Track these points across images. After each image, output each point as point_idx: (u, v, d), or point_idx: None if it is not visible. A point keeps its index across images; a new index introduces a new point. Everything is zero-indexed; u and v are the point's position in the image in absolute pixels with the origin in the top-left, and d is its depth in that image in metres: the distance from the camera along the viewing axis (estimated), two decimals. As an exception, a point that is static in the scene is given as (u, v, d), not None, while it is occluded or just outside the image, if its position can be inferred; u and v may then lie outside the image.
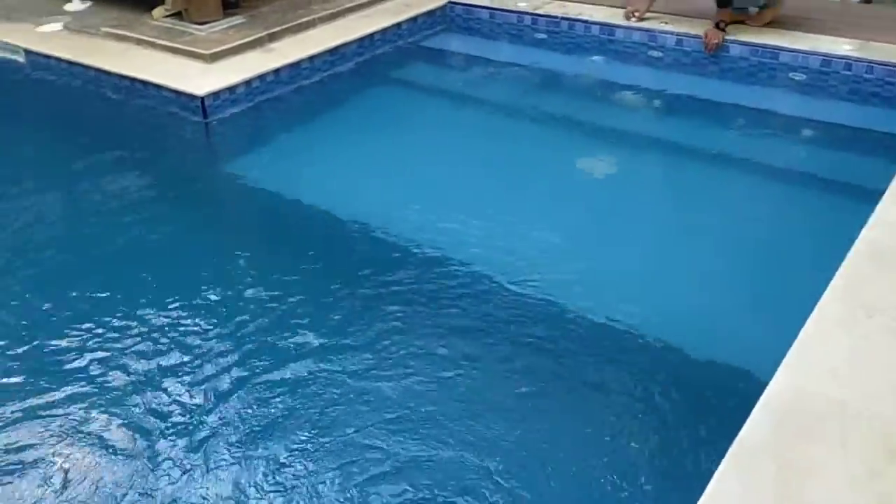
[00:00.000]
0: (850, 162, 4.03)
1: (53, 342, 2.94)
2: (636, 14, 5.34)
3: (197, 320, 3.05)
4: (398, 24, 5.70)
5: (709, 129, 4.48)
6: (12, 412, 2.63)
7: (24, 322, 3.07)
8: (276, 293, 3.18)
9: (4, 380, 2.77)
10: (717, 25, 4.97)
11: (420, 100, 5.01)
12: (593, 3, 5.81)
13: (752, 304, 3.05)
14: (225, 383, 2.73)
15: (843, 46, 4.77)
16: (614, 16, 5.49)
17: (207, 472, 2.40)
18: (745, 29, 5.11)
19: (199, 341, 2.94)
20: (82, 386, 2.74)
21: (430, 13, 5.94)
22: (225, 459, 2.44)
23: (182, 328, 3.01)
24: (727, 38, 4.97)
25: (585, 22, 5.50)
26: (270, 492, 2.33)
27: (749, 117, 4.49)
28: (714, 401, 2.61)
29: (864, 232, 2.92)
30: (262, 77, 4.85)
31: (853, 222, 3.07)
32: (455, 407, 2.59)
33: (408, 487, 2.33)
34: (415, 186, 4.00)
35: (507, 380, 2.72)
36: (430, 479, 2.34)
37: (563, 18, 5.58)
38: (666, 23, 5.29)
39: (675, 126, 4.61)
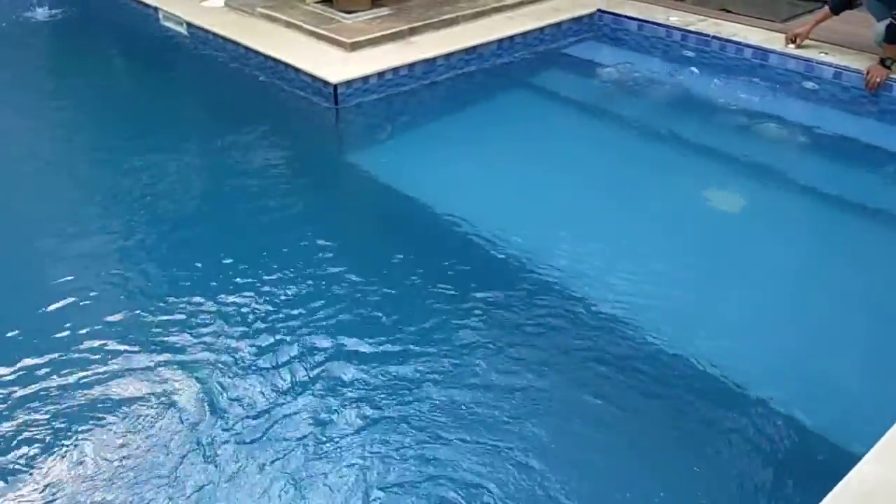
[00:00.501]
0: None
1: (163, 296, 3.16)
2: (797, 39, 4.98)
3: (294, 298, 3.14)
4: (541, 29, 5.61)
5: (855, 173, 4.12)
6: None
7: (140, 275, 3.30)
8: (374, 285, 3.23)
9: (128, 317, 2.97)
10: (882, 62, 4.55)
11: (551, 108, 4.90)
12: (749, 25, 5.49)
13: (857, 373, 2.78)
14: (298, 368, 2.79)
15: None
16: (770, 40, 5.15)
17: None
18: (916, 68, 4.66)
19: (291, 319, 3.03)
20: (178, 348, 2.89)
21: (576, 20, 5.81)
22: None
23: (274, 304, 3.11)
24: (893, 76, 4.55)
25: (738, 44, 5.19)
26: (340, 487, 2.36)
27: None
28: (795, 468, 2.40)
29: None
30: (396, 70, 4.91)
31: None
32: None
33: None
34: (530, 197, 3.93)
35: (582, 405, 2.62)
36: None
37: (714, 38, 5.30)
38: (826, 53, 4.90)
39: (818, 167, 4.25)
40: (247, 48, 5.21)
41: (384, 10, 5.60)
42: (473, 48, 5.26)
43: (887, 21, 4.50)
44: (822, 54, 4.90)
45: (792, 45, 4.99)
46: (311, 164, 4.37)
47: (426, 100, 4.91)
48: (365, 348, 2.88)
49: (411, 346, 2.89)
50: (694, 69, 5.09)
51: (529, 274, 3.31)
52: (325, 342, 2.91)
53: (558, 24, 5.70)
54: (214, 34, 5.48)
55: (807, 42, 4.99)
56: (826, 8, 4.89)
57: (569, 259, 3.39)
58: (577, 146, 4.37)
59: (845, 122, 4.51)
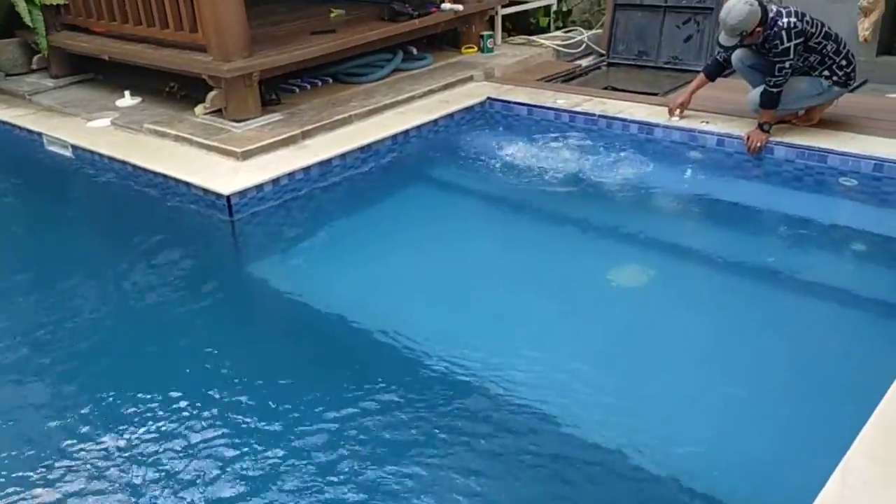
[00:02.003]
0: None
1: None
2: (679, 109, 5.16)
3: (190, 419, 2.98)
4: (434, 121, 5.67)
5: (748, 238, 4.20)
6: None
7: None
8: (284, 402, 3.08)
9: None
10: (760, 126, 4.75)
11: (450, 199, 4.90)
12: (633, 101, 5.68)
13: (773, 446, 2.75)
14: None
15: (897, 150, 4.48)
16: (654, 114, 5.33)
17: None
18: (792, 129, 4.87)
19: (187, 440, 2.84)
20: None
21: (468, 109, 5.90)
22: None
23: (170, 424, 2.92)
24: (771, 139, 4.74)
25: (624, 120, 5.35)
26: None
27: (793, 226, 4.20)
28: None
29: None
30: (291, 175, 4.83)
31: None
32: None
33: None
34: (438, 295, 3.85)
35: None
36: None
37: (601, 116, 5.45)
38: (707, 122, 5.09)
39: (713, 234, 4.34)
40: (135, 166, 5.07)
41: (276, 116, 5.56)
42: (369, 146, 5.25)
43: (761, 87, 4.71)
44: (704, 123, 5.09)
45: (676, 117, 5.17)
46: (208, 281, 4.19)
47: (325, 203, 4.83)
48: (262, 470, 2.70)
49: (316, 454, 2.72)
50: (584, 148, 5.19)
51: (436, 373, 3.22)
52: (222, 467, 2.72)
53: (451, 115, 5.77)
54: (101, 155, 5.32)
55: (690, 112, 5.18)
56: (701, 75, 5.11)
57: (475, 353, 3.31)
58: (477, 236, 4.35)
59: (733, 188, 4.65)
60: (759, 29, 4.49)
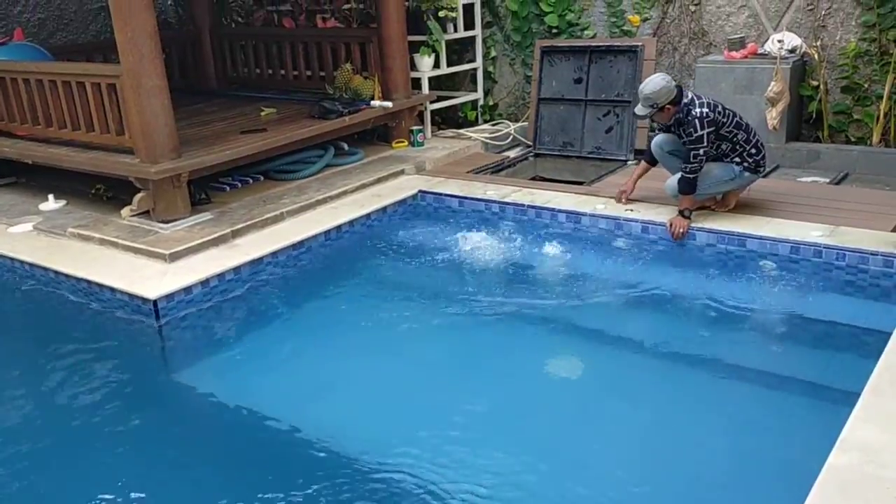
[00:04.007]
0: (822, 362, 3.79)
1: None
2: (624, 196, 5.33)
3: None
4: (367, 215, 5.70)
5: (676, 324, 4.29)
6: None
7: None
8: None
9: None
10: (681, 213, 4.92)
11: (384, 296, 4.84)
12: (560, 191, 5.84)
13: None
14: None
15: (812, 232, 4.68)
16: (581, 203, 5.48)
17: None
18: (711, 214, 5.06)
19: None
20: None
21: (400, 202, 5.96)
22: None
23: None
24: (693, 224, 4.91)
25: (552, 210, 5.48)
26: None
27: (718, 310, 4.29)
28: None
29: (833, 456, 2.65)
30: (220, 276, 4.76)
31: (824, 435, 2.83)
32: None
33: None
34: (373, 399, 3.77)
35: None
36: None
37: (530, 206, 5.58)
38: (631, 210, 5.25)
39: (642, 320, 4.41)
40: (57, 272, 4.92)
41: (206, 216, 5.51)
42: (301, 243, 5.24)
43: (679, 174, 4.90)
44: (629, 211, 5.25)
45: (624, 201, 5.31)
46: (133, 393, 4.01)
47: (256, 303, 4.76)
48: None
49: None
50: (515, 238, 5.27)
51: (376, 484, 3.13)
52: None
53: (383, 209, 5.82)
54: (21, 262, 5.16)
55: (613, 202, 5.35)
56: (643, 163, 5.30)
57: (414, 461, 3.24)
58: (412, 335, 4.30)
59: (658, 274, 4.75)
60: (670, 107, 4.73)
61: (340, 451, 3.37)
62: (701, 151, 4.74)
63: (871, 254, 4.37)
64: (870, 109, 6.25)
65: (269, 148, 6.05)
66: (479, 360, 4.07)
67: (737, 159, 4.87)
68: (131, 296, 4.55)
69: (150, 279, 4.67)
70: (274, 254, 5.07)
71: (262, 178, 6.33)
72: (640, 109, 4.86)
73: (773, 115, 6.19)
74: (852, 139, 6.39)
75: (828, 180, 5.94)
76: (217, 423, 3.82)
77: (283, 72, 8.01)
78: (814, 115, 6.45)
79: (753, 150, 4.86)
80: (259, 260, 4.98)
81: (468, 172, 6.52)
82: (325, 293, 4.87)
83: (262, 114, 6.92)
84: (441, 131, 7.69)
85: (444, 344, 4.22)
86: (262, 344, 4.34)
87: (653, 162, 5.23)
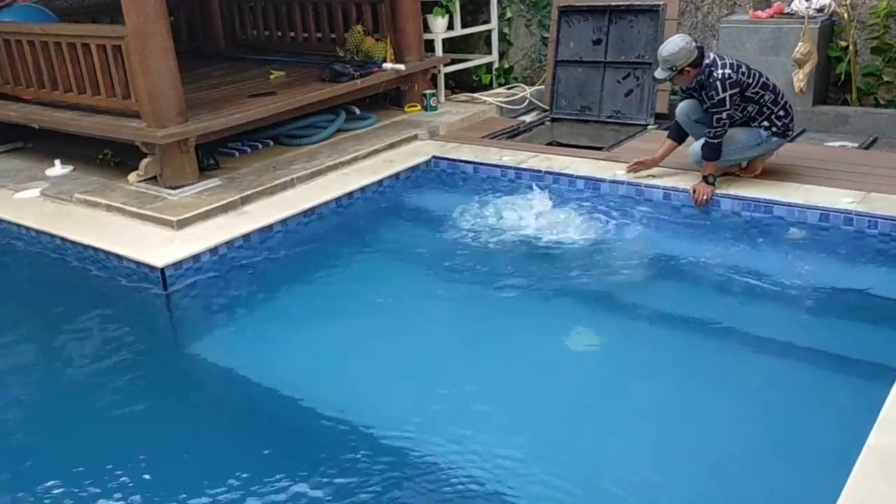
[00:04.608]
0: (856, 336, 3.61)
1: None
2: (641, 167, 5.09)
3: None
4: (379, 182, 5.55)
5: (696, 294, 4.13)
6: None
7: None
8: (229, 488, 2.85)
9: None
10: (705, 179, 4.74)
11: (398, 264, 4.73)
12: (578, 156, 5.66)
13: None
14: None
15: (842, 199, 4.49)
16: (599, 170, 5.30)
17: None
18: (736, 181, 4.88)
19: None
20: None
21: (413, 169, 5.80)
22: None
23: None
24: (717, 191, 4.73)
25: (570, 176, 5.31)
26: None
27: (745, 280, 4.13)
28: None
29: (873, 436, 2.51)
30: (230, 243, 4.64)
31: (861, 413, 2.69)
32: None
33: None
34: (389, 367, 3.67)
35: None
36: None
37: (547, 173, 5.40)
38: (653, 176, 5.07)
39: (665, 292, 4.24)
40: (63, 239, 4.81)
41: (213, 182, 5.38)
42: (312, 210, 5.10)
43: (702, 140, 4.71)
44: (650, 177, 5.07)
45: (632, 173, 5.10)
46: (142, 363, 3.91)
47: (266, 272, 4.64)
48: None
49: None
50: (531, 206, 5.11)
51: (390, 455, 3.04)
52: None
53: (396, 176, 5.67)
54: (28, 228, 5.05)
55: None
56: (668, 141, 4.99)
57: (432, 434, 3.14)
58: (427, 303, 4.18)
59: (681, 243, 4.59)
60: (690, 69, 4.53)
61: (353, 422, 3.26)
62: (724, 115, 4.54)
63: (905, 221, 4.20)
64: (901, 71, 6.02)
65: (279, 112, 5.88)
66: (495, 334, 3.91)
67: (765, 123, 4.67)
68: (138, 263, 4.44)
69: (158, 246, 4.55)
70: (283, 221, 4.93)
71: (271, 143, 6.17)
72: (659, 73, 4.66)
73: (799, 78, 5.96)
74: (882, 102, 6.15)
75: (856, 145, 5.72)
76: (226, 392, 3.74)
77: (292, 34, 7.81)
78: (842, 77, 6.21)
79: (781, 113, 4.66)
80: (268, 227, 4.85)
81: (483, 138, 6.34)
82: (335, 262, 4.74)
83: (272, 77, 6.74)
84: (455, 95, 7.49)
85: (459, 314, 4.09)
86: (271, 313, 4.23)
87: (679, 139, 4.97)
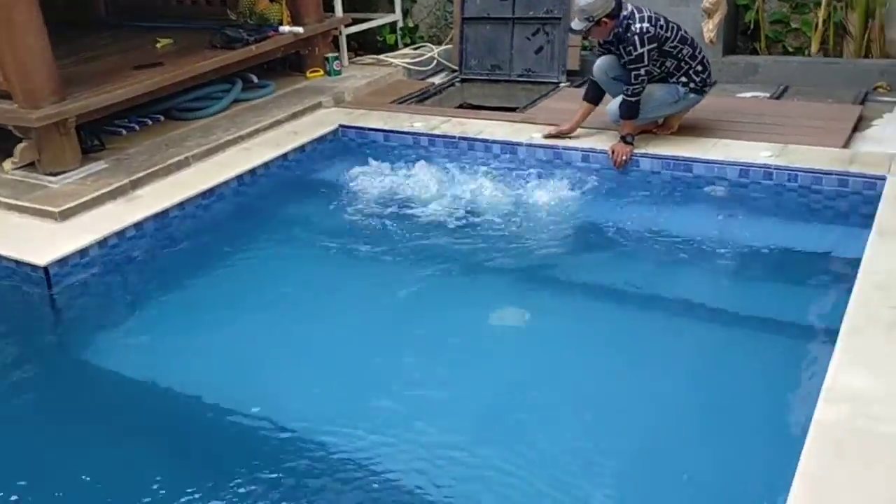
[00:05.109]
0: (786, 295, 3.53)
1: None
2: (560, 131, 4.89)
3: None
4: (284, 156, 5.18)
5: (620, 261, 3.94)
6: None
7: None
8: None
9: None
10: (623, 139, 4.58)
11: (309, 246, 4.37)
12: (492, 119, 5.43)
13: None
14: None
15: (760, 153, 4.42)
16: (515, 133, 5.08)
17: None
18: (654, 139, 4.75)
19: None
20: None
21: (319, 140, 5.44)
22: None
23: None
24: (636, 151, 4.59)
25: (485, 141, 5.07)
26: None
27: (667, 244, 4.00)
28: None
29: (820, 410, 2.40)
30: (120, 234, 4.22)
31: (804, 382, 2.60)
32: None
33: None
34: (303, 360, 3.40)
35: None
36: None
37: (461, 138, 5.15)
38: (570, 137, 4.89)
39: (588, 259, 4.06)
40: (-73, 240, 4.28)
41: (99, 165, 4.90)
42: (211, 191, 4.70)
43: (620, 98, 4.54)
44: (568, 138, 4.88)
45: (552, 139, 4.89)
46: (25, 373, 3.52)
47: (164, 262, 4.25)
48: None
49: None
50: (446, 174, 4.86)
51: (307, 459, 2.80)
52: None
53: (301, 148, 5.30)
54: None
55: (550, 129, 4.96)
56: (585, 104, 4.80)
57: (350, 430, 2.91)
58: (342, 288, 3.89)
59: (603, 205, 4.44)
60: (607, 20, 4.35)
61: (267, 424, 3.00)
62: (642, 71, 4.38)
63: (825, 173, 4.15)
64: (807, 17, 5.99)
65: (167, 84, 5.40)
66: (415, 317, 3.67)
67: (683, 79, 4.53)
68: (18, 262, 3.98)
69: (39, 242, 4.10)
70: (180, 205, 4.53)
71: (162, 118, 5.69)
72: (575, 24, 4.44)
73: (709, 28, 5.86)
74: (790, 49, 6.14)
75: (768, 94, 5.69)
76: (120, 399, 3.35)
77: (179, -3, 7.25)
78: (751, 26, 6.17)
79: (700, 68, 4.53)
80: (164, 213, 4.43)
81: (391, 103, 6.02)
82: (241, 247, 4.38)
83: (158, 45, 6.20)
84: (359, 58, 7.10)
85: (377, 297, 3.80)
86: (170, 309, 3.86)
87: (596, 100, 4.78)
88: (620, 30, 4.38)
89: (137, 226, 4.30)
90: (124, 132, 5.46)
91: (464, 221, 4.37)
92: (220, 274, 4.14)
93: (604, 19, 4.34)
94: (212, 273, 4.16)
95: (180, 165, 4.96)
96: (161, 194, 4.60)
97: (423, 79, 6.79)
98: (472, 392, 3.15)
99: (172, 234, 4.40)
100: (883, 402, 2.44)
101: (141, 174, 4.75)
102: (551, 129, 4.92)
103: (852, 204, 4.02)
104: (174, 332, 3.68)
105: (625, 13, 4.37)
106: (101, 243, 4.13)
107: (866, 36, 5.78)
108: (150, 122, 5.62)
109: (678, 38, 4.45)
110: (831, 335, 2.84)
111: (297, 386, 3.25)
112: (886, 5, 5.70)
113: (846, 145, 4.50)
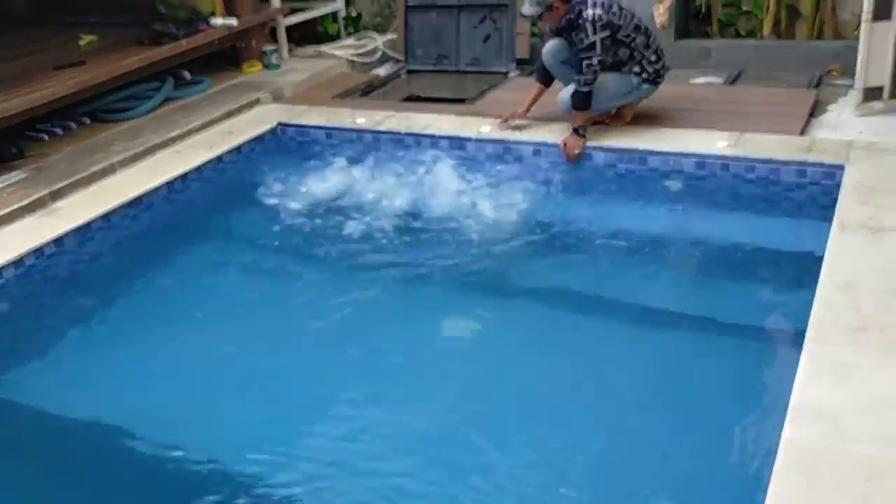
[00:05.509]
0: (751, 299, 3.35)
1: None
2: (513, 117, 4.69)
3: None
4: (218, 158, 4.86)
5: (575, 262, 3.75)
6: None
7: None
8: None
9: None
10: (575, 131, 4.38)
11: (245, 258, 4.09)
12: (440, 113, 5.18)
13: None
14: None
15: (717, 143, 4.24)
16: (463, 127, 4.84)
17: None
18: (607, 130, 4.55)
19: None
20: None
21: (256, 139, 5.13)
22: None
23: None
24: (589, 143, 4.39)
25: (432, 136, 4.82)
26: None
27: (623, 243, 3.81)
28: None
29: (788, 428, 2.23)
30: (38, 251, 3.87)
31: (771, 398, 2.43)
32: None
33: None
34: (243, 384, 3.14)
35: None
36: None
37: (407, 134, 4.89)
38: (519, 128, 4.67)
39: (541, 261, 3.83)
40: None
41: (15, 175, 4.54)
42: (138, 199, 4.37)
43: (572, 87, 4.33)
44: (517, 130, 4.66)
45: (509, 123, 4.68)
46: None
47: (87, 281, 3.93)
48: None
49: None
50: (392, 173, 4.61)
51: (231, 487, 2.57)
52: None
53: (237, 149, 4.98)
54: None
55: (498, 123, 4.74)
56: (536, 84, 4.64)
57: (289, 462, 2.68)
58: (280, 302, 3.62)
59: (557, 202, 4.24)
60: (560, 5, 4.15)
61: (195, 455, 2.76)
62: (595, 60, 4.17)
63: (783, 163, 3.99)
64: (759, -1, 5.86)
65: (90, 85, 5.04)
66: (356, 330, 3.43)
67: (636, 68, 4.34)
68: (-79, 290, 3.64)
69: (-54, 265, 3.75)
70: (105, 216, 4.19)
71: (87, 120, 5.33)
72: (527, 9, 4.23)
73: (660, 12, 5.68)
74: (742, 33, 5.99)
75: (722, 80, 5.54)
76: (43, 436, 3.06)
77: (105, -11, 6.84)
78: (702, 9, 6.01)
79: (653, 58, 4.34)
80: (86, 226, 4.10)
81: (334, 98, 5.74)
82: (172, 260, 4.08)
83: (82, 43, 5.84)
84: (301, 49, 6.79)
85: (321, 312, 3.53)
86: (96, 334, 3.57)
87: (547, 81, 4.59)
88: (572, 15, 4.17)
89: (57, 242, 3.96)
90: (46, 137, 5.10)
91: (409, 225, 4.14)
92: (147, 292, 3.81)
93: (556, 3, 4.14)
94: (138, 292, 3.83)
95: (105, 172, 4.62)
96: (84, 205, 4.27)
97: (367, 71, 6.51)
98: (419, 411, 2.94)
99: (96, 249, 4.07)
100: (852, 417, 2.27)
101: (62, 184, 4.40)
102: (506, 115, 4.71)
103: (812, 195, 3.87)
104: (100, 358, 3.38)
105: None
106: (17, 263, 3.78)
107: (818, 17, 5.66)
108: (75, 126, 5.25)
109: (632, 26, 4.25)
110: (797, 340, 2.68)
111: (225, 413, 3.00)
112: (838, -15, 5.59)
113: (803, 132, 4.36)
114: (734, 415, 2.60)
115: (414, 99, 6.24)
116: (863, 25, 4.43)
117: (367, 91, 6.00)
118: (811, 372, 2.46)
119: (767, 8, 5.77)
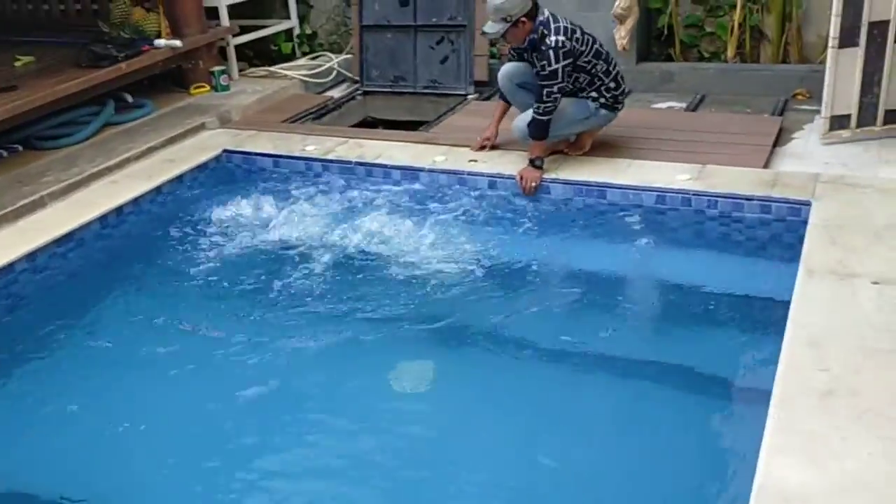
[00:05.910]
0: (714, 352, 3.13)
1: None
2: (488, 143, 4.54)
3: None
4: (157, 189, 4.59)
5: (527, 304, 3.52)
6: None
7: None
8: None
9: None
10: (532, 163, 4.18)
11: (186, 300, 3.78)
12: (394, 140, 4.95)
13: None
14: None
15: (678, 176, 4.07)
16: (418, 156, 4.62)
17: None
18: (565, 160, 4.37)
19: None
20: None
21: (200, 168, 4.87)
22: None
23: None
24: (546, 175, 4.19)
25: (384, 166, 4.60)
26: None
27: (582, 285, 3.62)
28: None
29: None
30: (-48, 298, 3.61)
31: (733, 473, 2.23)
32: None
33: None
34: (175, 449, 2.89)
35: None
36: None
37: (358, 163, 4.66)
38: (475, 160, 4.47)
39: (490, 307, 3.54)
40: None
41: (-64, 210, 4.25)
42: (69, 236, 4.09)
43: (529, 115, 4.13)
44: (471, 162, 4.46)
45: (486, 151, 4.55)
46: None
47: (7, 329, 3.64)
48: None
49: None
50: (341, 206, 4.38)
51: None
52: None
53: (178, 178, 4.72)
54: None
55: (455, 151, 4.54)
56: (500, 102, 4.49)
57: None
58: (225, 351, 3.31)
59: (512, 240, 4.00)
60: (525, 21, 3.96)
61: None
62: (555, 89, 3.99)
63: (747, 199, 3.82)
64: (723, 20, 5.72)
65: (22, 112, 4.75)
66: (302, 380, 3.22)
67: (593, 94, 4.17)
68: None
69: None
70: (30, 256, 3.90)
71: (20, 147, 5.03)
72: (490, 26, 4.02)
73: (621, 35, 5.50)
74: (705, 55, 5.86)
75: (684, 105, 5.39)
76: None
77: (46, 6, 6.53)
78: (664, 31, 5.86)
79: (612, 85, 4.17)
80: (9, 267, 3.80)
81: (284, 122, 5.49)
82: (102, 304, 3.79)
83: (17, 64, 5.53)
84: (253, 69, 6.52)
85: (266, 364, 3.26)
86: (15, 390, 3.28)
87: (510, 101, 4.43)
88: (536, 36, 3.99)
89: (-26, 285, 3.69)
90: (-27, 167, 4.80)
91: (359, 264, 3.90)
92: (75, 342, 3.50)
93: (522, 19, 3.95)
94: (64, 340, 3.53)
95: (34, 206, 4.33)
96: (8, 243, 3.97)
97: (321, 92, 6.28)
98: (372, 469, 2.72)
99: (19, 293, 3.78)
100: (824, 500, 2.08)
101: (-16, 219, 4.12)
102: (477, 142, 4.58)
103: (776, 234, 3.71)
104: (18, 421, 3.10)
105: (541, 18, 3.99)
106: (-72, 311, 3.51)
107: (783, 39, 5.54)
108: (6, 154, 4.96)
109: (593, 52, 4.08)
110: (761, 400, 2.49)
111: (158, 474, 2.76)
112: (803, 7, 5.46)
113: (767, 164, 4.20)
114: (692, 493, 2.40)
115: (369, 122, 6.02)
116: (829, 52, 4.29)
117: (321, 114, 5.76)
118: (777, 444, 2.27)
119: (731, 30, 5.63)
